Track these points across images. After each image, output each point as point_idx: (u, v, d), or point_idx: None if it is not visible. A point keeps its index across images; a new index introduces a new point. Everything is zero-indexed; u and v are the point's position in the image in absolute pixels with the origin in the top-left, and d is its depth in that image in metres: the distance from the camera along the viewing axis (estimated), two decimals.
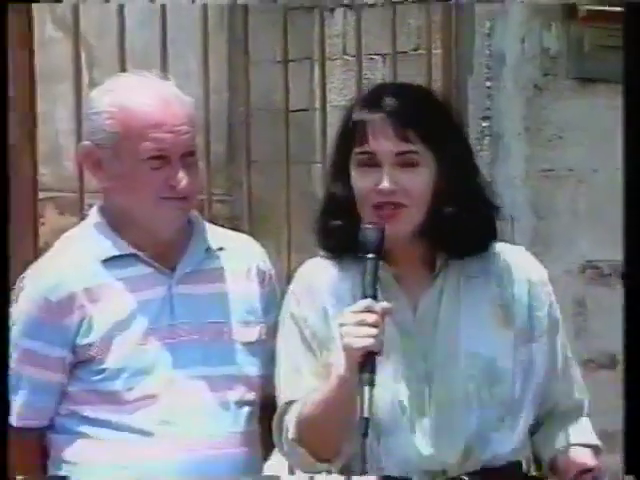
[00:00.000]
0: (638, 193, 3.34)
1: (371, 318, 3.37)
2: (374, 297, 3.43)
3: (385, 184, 3.50)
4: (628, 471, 3.55)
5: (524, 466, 3.78)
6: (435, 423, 3.58)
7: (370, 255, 3.47)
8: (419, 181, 3.53)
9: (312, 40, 5.39)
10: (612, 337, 4.62)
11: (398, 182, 3.50)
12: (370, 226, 3.50)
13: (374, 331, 3.36)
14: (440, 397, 3.58)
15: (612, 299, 4.92)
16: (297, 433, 3.55)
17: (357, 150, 3.55)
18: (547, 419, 3.77)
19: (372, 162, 3.54)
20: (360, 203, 3.56)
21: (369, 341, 3.35)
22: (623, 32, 3.32)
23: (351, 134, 3.59)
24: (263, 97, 5.10)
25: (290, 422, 3.56)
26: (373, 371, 3.38)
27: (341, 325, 3.41)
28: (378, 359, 3.40)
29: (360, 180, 3.55)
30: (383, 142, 3.53)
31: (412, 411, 3.58)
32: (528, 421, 3.69)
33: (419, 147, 3.52)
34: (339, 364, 3.42)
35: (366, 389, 3.36)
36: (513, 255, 3.74)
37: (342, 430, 3.48)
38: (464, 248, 3.62)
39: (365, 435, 3.36)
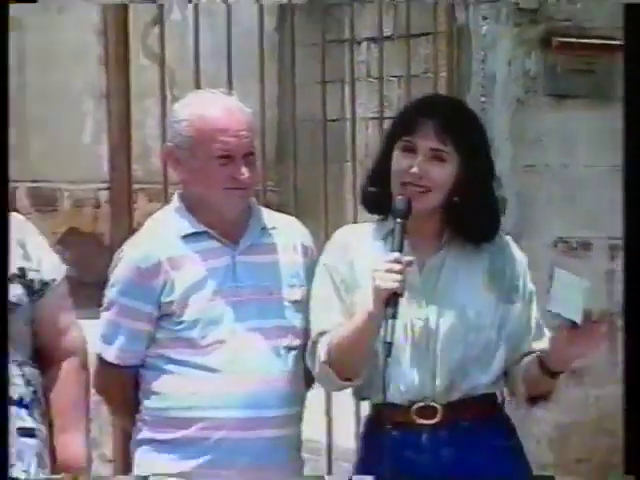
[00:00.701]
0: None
1: (398, 267, 3.48)
2: (400, 252, 3.54)
3: (415, 170, 3.62)
4: (628, 471, 3.34)
5: (498, 398, 3.82)
6: (429, 358, 3.65)
7: (399, 220, 3.58)
8: (444, 174, 3.64)
9: (344, 66, 5.43)
10: None
11: (427, 171, 3.62)
12: (402, 197, 3.61)
13: (399, 277, 3.47)
14: (434, 338, 3.66)
15: (578, 267, 4.99)
16: (327, 357, 3.63)
17: (404, 138, 3.66)
18: (518, 360, 3.76)
19: (411, 150, 3.64)
20: (393, 179, 3.67)
21: (395, 284, 3.46)
22: (623, 32, 3.22)
23: (402, 125, 3.72)
24: (306, 110, 5.10)
25: (322, 349, 3.64)
26: (396, 307, 3.47)
27: (374, 271, 3.50)
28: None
29: (398, 161, 3.67)
30: (424, 138, 3.64)
31: (412, 348, 3.66)
32: (500, 362, 3.72)
33: (449, 148, 3.64)
34: (368, 302, 3.52)
35: (390, 321, 3.46)
36: (501, 241, 3.82)
37: (363, 355, 3.58)
38: (472, 234, 3.73)
39: (388, 356, 3.47)
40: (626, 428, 3.18)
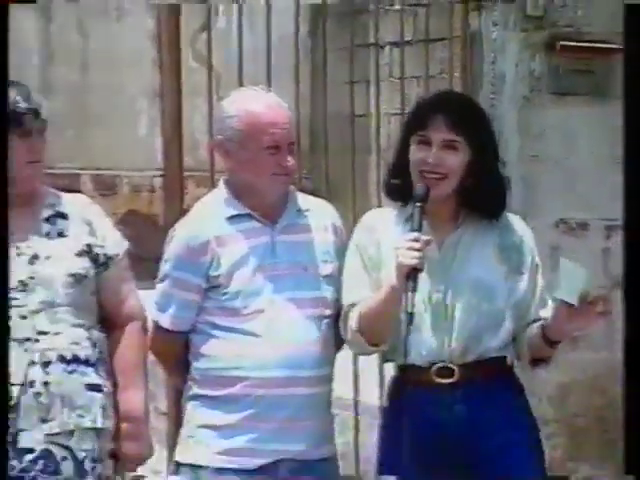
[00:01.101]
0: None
1: (417, 245, 3.51)
2: (419, 232, 3.57)
3: (431, 160, 3.65)
4: (628, 471, 3.24)
5: (508, 361, 3.80)
6: (447, 325, 3.68)
7: (418, 204, 3.61)
8: (456, 161, 3.67)
9: (369, 67, 5.41)
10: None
11: (441, 160, 3.65)
12: (420, 185, 3.64)
13: (419, 254, 3.50)
14: (452, 307, 3.68)
15: (577, 245, 5.03)
16: (357, 326, 3.66)
17: (419, 132, 3.69)
18: (524, 328, 3.77)
19: (426, 142, 3.67)
20: (412, 169, 3.69)
21: (415, 261, 3.50)
22: (623, 32, 3.15)
23: (417, 121, 3.74)
24: (335, 107, 5.05)
25: (352, 318, 3.67)
26: (416, 281, 3.51)
27: (397, 249, 3.54)
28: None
29: (416, 153, 3.69)
30: (437, 131, 3.67)
31: (432, 316, 3.68)
32: (509, 329, 3.74)
33: (460, 139, 3.67)
34: (391, 277, 3.56)
35: (410, 294, 3.51)
36: (511, 219, 3.85)
37: (388, 324, 3.61)
38: (483, 212, 3.75)
39: (410, 323, 3.52)
40: (626, 428, 3.09)
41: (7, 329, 3.05)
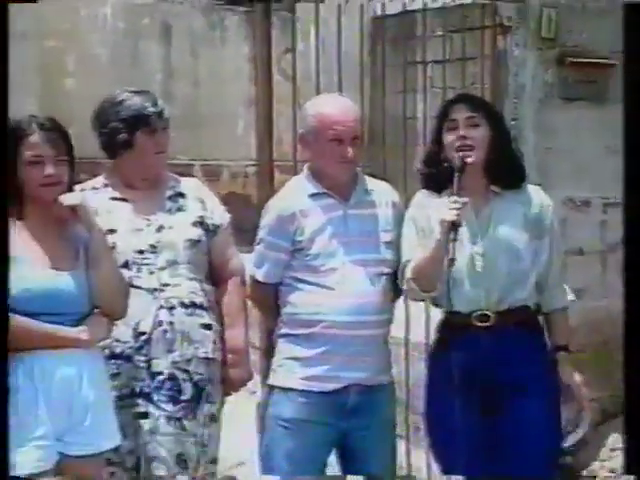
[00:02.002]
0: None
1: (456, 205, 3.49)
2: (458, 196, 3.54)
3: (461, 133, 3.62)
4: (628, 471, 2.91)
5: (532, 309, 3.74)
6: (485, 280, 3.64)
7: (457, 173, 3.58)
8: (480, 133, 3.63)
9: (417, 80, 5.37)
10: (579, 236, 4.61)
11: (468, 133, 3.62)
12: (457, 156, 3.61)
13: (457, 212, 3.48)
14: (488, 265, 3.63)
15: (580, 218, 5.00)
16: (412, 275, 3.64)
17: (448, 119, 3.66)
18: (544, 284, 3.73)
19: (454, 127, 3.64)
20: (448, 149, 3.65)
21: (454, 217, 3.47)
22: (623, 31, 2.90)
23: (445, 111, 3.71)
24: (391, 111, 5.07)
25: (408, 270, 3.65)
26: (456, 234, 3.49)
27: (440, 209, 3.55)
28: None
29: (448, 137, 3.65)
30: (460, 112, 3.65)
31: (473, 273, 3.64)
32: (533, 283, 3.69)
33: (479, 115, 3.65)
34: (437, 233, 3.54)
35: (451, 244, 3.48)
36: (534, 193, 3.77)
37: (436, 272, 3.57)
38: (508, 182, 3.70)
39: (451, 266, 3.51)
40: (626, 428, 2.83)
41: (7, 329, 2.74)
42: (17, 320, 3.14)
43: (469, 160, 3.61)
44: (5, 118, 2.81)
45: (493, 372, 3.61)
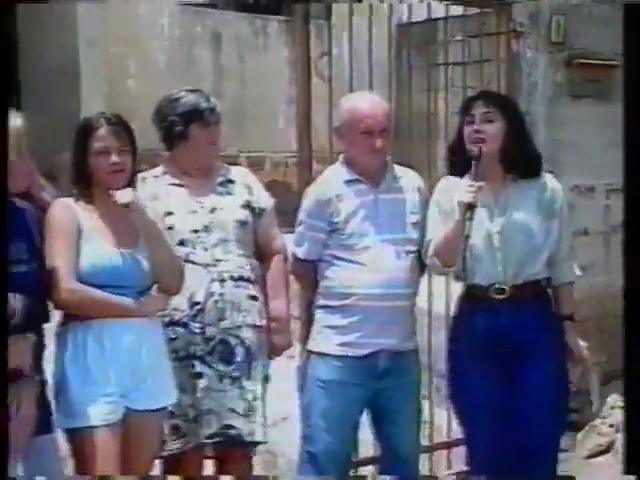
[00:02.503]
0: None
1: (473, 188, 3.49)
2: (475, 181, 3.53)
3: (475, 127, 3.60)
4: (628, 471, 2.77)
5: (542, 283, 3.72)
6: (501, 257, 3.63)
7: (474, 161, 3.58)
8: (494, 128, 3.62)
9: (439, 80, 5.32)
10: (585, 218, 4.58)
11: (483, 127, 3.61)
12: (474, 146, 3.60)
13: (473, 194, 3.48)
14: (505, 244, 3.62)
15: (586, 203, 4.96)
16: (434, 252, 3.65)
17: (467, 114, 3.65)
18: (553, 261, 3.72)
19: (472, 121, 3.62)
20: (467, 140, 3.64)
21: (470, 198, 3.48)
22: (623, 31, 2.94)
23: (465, 107, 3.69)
24: (416, 107, 5.04)
25: (430, 247, 3.66)
26: (472, 214, 3.50)
27: (458, 192, 3.54)
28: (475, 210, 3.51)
29: (467, 129, 3.64)
30: (477, 108, 3.63)
31: (491, 251, 3.63)
32: (544, 259, 3.67)
33: (494, 110, 3.62)
34: (456, 213, 3.54)
35: (467, 223, 3.49)
36: (547, 179, 3.75)
37: (455, 249, 3.57)
38: (524, 172, 3.67)
39: (467, 241, 3.52)
40: (626, 428, 2.73)
41: (6, 328, 2.62)
42: (88, 291, 3.18)
43: (484, 150, 3.59)
44: (5, 117, 2.72)
45: (508, 338, 3.61)
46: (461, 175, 3.71)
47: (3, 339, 2.51)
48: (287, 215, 4.05)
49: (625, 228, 2.95)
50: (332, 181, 3.85)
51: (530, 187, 3.69)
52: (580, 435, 5.29)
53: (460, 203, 3.52)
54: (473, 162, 3.59)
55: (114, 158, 3.26)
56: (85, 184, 3.31)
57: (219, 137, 3.84)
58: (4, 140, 2.65)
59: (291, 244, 3.92)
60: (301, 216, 3.88)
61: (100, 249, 3.24)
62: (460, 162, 3.71)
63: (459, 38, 5.31)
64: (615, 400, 5.26)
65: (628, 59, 2.61)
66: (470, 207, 3.50)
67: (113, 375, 3.22)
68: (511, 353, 3.61)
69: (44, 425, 2.95)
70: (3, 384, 2.58)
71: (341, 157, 3.90)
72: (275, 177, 8.26)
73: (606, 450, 5.19)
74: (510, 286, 3.62)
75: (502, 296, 3.62)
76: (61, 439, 3.21)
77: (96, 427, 3.16)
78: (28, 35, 7.45)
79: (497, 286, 3.63)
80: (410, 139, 4.92)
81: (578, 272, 3.82)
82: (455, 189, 3.66)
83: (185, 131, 3.74)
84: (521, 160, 3.67)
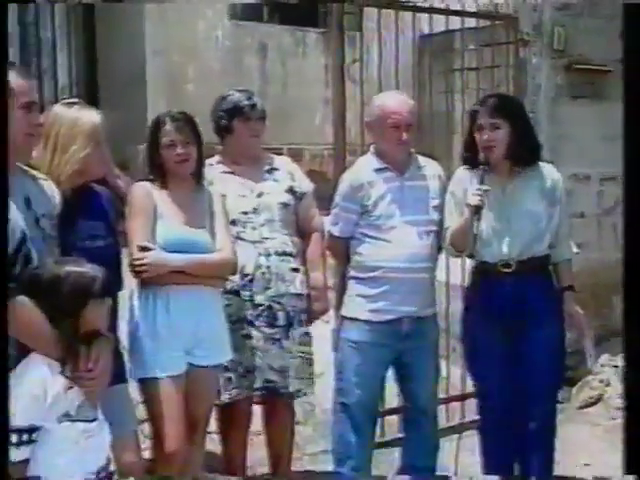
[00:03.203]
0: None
1: (480, 192, 3.48)
2: (482, 184, 3.51)
3: (485, 137, 3.55)
4: (628, 471, 2.48)
5: (544, 259, 3.66)
6: (509, 238, 3.58)
7: (482, 166, 3.56)
8: (500, 135, 3.55)
9: (456, 83, 5.27)
10: (581, 203, 4.53)
11: (490, 136, 3.54)
12: (483, 154, 3.56)
13: (480, 198, 3.47)
14: (512, 226, 3.58)
15: (582, 189, 4.91)
16: (449, 241, 3.65)
17: (477, 123, 3.58)
18: (554, 241, 3.67)
19: (481, 129, 3.56)
20: (479, 146, 3.58)
21: (478, 202, 3.48)
22: (623, 29, 2.87)
23: (475, 115, 3.62)
24: (436, 106, 5.02)
25: (447, 236, 3.65)
26: (479, 214, 3.49)
27: (467, 195, 3.53)
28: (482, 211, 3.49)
29: (477, 135, 3.58)
30: (485, 119, 3.56)
31: (500, 232, 3.59)
32: (547, 240, 3.62)
33: (501, 121, 3.54)
34: (466, 212, 3.53)
35: (475, 223, 3.48)
36: (548, 170, 3.69)
37: (465, 240, 3.57)
38: (526, 161, 3.61)
39: (475, 243, 3.52)
40: (626, 428, 2.49)
41: (6, 328, 2.49)
42: (171, 256, 3.18)
43: (491, 156, 3.56)
44: (5, 118, 2.57)
45: (513, 306, 3.57)
46: (474, 166, 3.66)
47: (3, 338, 2.42)
48: (323, 200, 4.02)
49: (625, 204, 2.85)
50: (364, 169, 3.82)
51: (533, 177, 3.64)
52: (575, 389, 5.30)
53: (469, 206, 3.52)
54: (480, 167, 3.58)
55: (179, 150, 3.27)
56: (158, 172, 3.32)
57: (262, 131, 3.81)
58: (4, 140, 2.53)
59: (327, 224, 3.90)
60: (336, 199, 3.85)
61: (172, 226, 3.24)
62: (472, 156, 3.66)
63: (473, 47, 5.25)
64: (606, 359, 5.25)
65: (628, 58, 2.56)
66: (477, 209, 3.51)
67: (177, 335, 3.23)
68: (515, 318, 3.57)
69: (118, 376, 2.97)
70: (3, 382, 2.46)
71: (371, 148, 3.88)
72: (313, 167, 8.22)
73: (596, 402, 5.20)
74: (516, 261, 3.58)
75: (508, 270, 3.58)
76: (133, 388, 3.23)
77: (162, 378, 3.19)
78: (105, 47, 7.55)
79: (504, 262, 3.59)
80: (431, 134, 4.89)
81: (575, 250, 3.77)
82: (466, 181, 3.65)
83: (229, 125, 3.74)
84: (524, 152, 3.61)
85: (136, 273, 3.20)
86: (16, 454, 2.46)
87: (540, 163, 3.66)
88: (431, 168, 3.89)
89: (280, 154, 4.28)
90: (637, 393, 2.37)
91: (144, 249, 3.13)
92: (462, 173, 3.74)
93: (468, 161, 3.71)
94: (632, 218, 2.36)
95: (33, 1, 3.38)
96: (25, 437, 2.45)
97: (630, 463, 2.42)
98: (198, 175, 3.37)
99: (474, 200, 3.48)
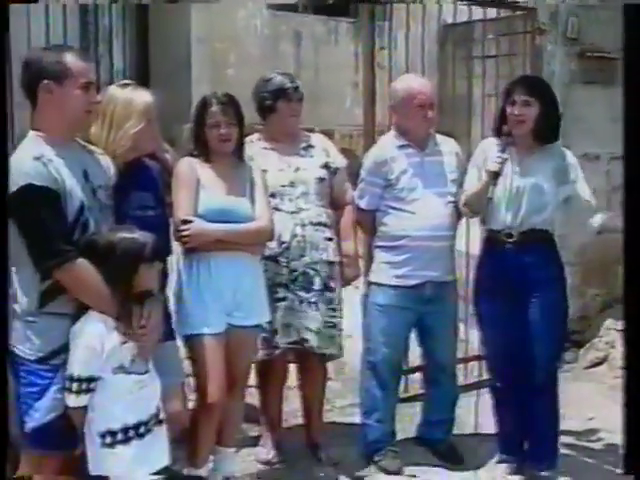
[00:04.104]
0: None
1: (500, 160, 3.45)
2: (503, 152, 3.47)
3: (516, 111, 3.47)
4: (628, 471, 2.39)
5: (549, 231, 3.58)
6: (515, 208, 3.50)
7: (503, 137, 3.52)
8: (530, 111, 3.47)
9: (477, 70, 5.14)
10: (591, 180, 4.40)
11: (521, 111, 3.46)
12: (506, 126, 3.51)
13: (499, 165, 3.45)
14: (518, 198, 3.50)
15: (592, 167, 4.81)
16: (464, 201, 3.64)
17: (512, 96, 3.50)
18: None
19: (514, 103, 3.48)
20: (508, 119, 3.51)
21: (496, 168, 3.46)
22: (623, 27, 2.71)
23: (510, 91, 3.53)
24: (457, 90, 4.96)
25: (462, 197, 3.64)
26: (497, 179, 3.48)
27: (489, 161, 3.50)
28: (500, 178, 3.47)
29: (508, 109, 3.50)
30: (518, 95, 3.48)
31: (508, 202, 3.51)
32: (552, 213, 3.52)
33: (533, 99, 3.46)
34: (484, 176, 3.50)
35: (491, 187, 3.48)
36: (565, 152, 3.59)
37: (480, 203, 3.57)
38: (547, 139, 3.53)
39: (489, 201, 3.49)
40: (626, 428, 2.36)
41: (6, 329, 2.46)
42: (211, 226, 3.15)
43: (519, 130, 3.49)
44: (5, 114, 2.55)
45: (516, 275, 3.51)
46: (499, 136, 3.58)
47: (3, 339, 2.43)
48: (352, 175, 3.97)
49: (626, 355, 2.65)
50: (387, 146, 3.78)
51: (551, 155, 3.54)
52: (582, 350, 5.27)
53: (488, 171, 3.47)
54: (502, 137, 3.51)
55: (222, 130, 3.23)
56: (202, 149, 3.28)
57: (301, 111, 3.78)
58: (4, 137, 2.52)
59: (356, 196, 3.86)
60: (362, 174, 3.82)
61: (214, 196, 3.21)
62: (500, 127, 3.57)
63: (491, 36, 5.18)
64: (611, 323, 5.21)
65: (628, 50, 2.50)
66: (495, 175, 3.46)
67: (219, 297, 3.21)
68: (518, 287, 3.51)
69: (168, 333, 2.98)
70: (3, 384, 2.45)
71: (393, 127, 3.84)
72: (342, 146, 8.15)
73: (602, 362, 5.17)
74: (518, 232, 3.50)
75: (510, 239, 3.51)
76: (180, 345, 3.24)
77: (205, 336, 3.17)
78: (156, 35, 7.59)
79: (507, 231, 3.52)
80: (453, 116, 4.81)
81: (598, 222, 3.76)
82: (488, 150, 3.58)
83: (274, 105, 3.69)
84: (547, 130, 3.53)
85: (180, 242, 3.19)
86: (76, 401, 2.52)
87: (559, 144, 3.58)
88: (448, 145, 3.84)
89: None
90: (637, 394, 2.29)
91: (186, 222, 3.11)
92: (486, 143, 3.67)
93: (496, 131, 3.64)
94: (631, 195, 2.34)
95: (36, 1, 3.32)
96: (84, 386, 2.51)
97: (630, 463, 2.34)
98: (238, 153, 3.33)
99: (494, 166, 3.45)
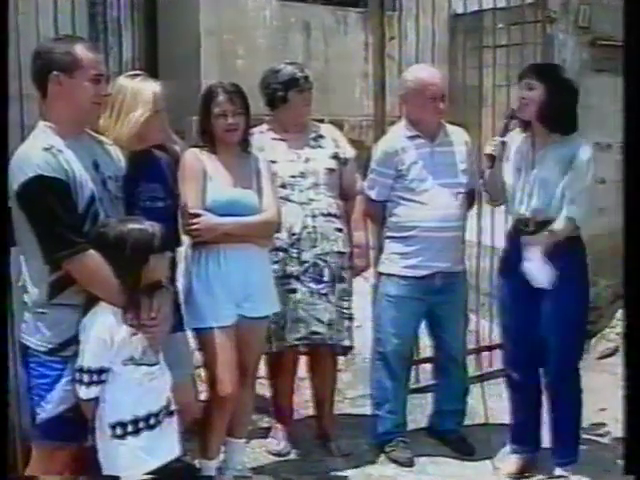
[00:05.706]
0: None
1: (495, 142, 3.46)
2: (503, 136, 3.47)
3: (519, 94, 3.43)
4: (628, 471, 2.35)
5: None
6: (530, 195, 3.46)
7: (505, 120, 3.51)
8: (533, 95, 3.38)
9: (487, 59, 5.07)
10: (603, 170, 4.37)
11: (524, 94, 3.41)
12: (511, 108, 3.52)
13: (493, 148, 3.46)
14: (532, 189, 3.45)
15: (604, 157, 4.77)
16: (483, 187, 3.65)
17: (520, 82, 3.45)
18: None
19: (521, 87, 3.43)
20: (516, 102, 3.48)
21: (490, 150, 3.46)
22: (623, 24, 2.69)
23: (519, 78, 3.48)
24: (468, 80, 4.93)
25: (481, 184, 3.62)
26: (493, 162, 3.47)
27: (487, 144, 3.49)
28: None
29: (518, 94, 3.46)
30: (524, 79, 3.43)
31: (523, 191, 3.47)
32: (562, 201, 3.39)
33: (535, 82, 3.39)
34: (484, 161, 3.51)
35: (487, 171, 3.50)
36: (583, 145, 3.45)
37: (492, 188, 3.57)
38: (561, 130, 3.44)
39: (490, 167, 3.49)
40: (626, 428, 2.33)
41: (6, 330, 2.46)
42: (219, 220, 3.13)
43: (521, 113, 3.44)
44: (6, 110, 2.52)
45: None
46: (525, 129, 3.53)
47: (3, 340, 2.39)
48: (360, 166, 3.95)
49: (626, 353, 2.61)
50: (396, 137, 3.75)
51: (568, 149, 3.43)
52: (593, 341, 5.24)
53: (485, 152, 3.47)
54: (504, 120, 3.50)
55: (229, 120, 3.21)
56: (209, 139, 3.25)
57: (311, 101, 3.76)
58: (4, 136, 2.49)
59: (365, 187, 3.84)
60: (373, 165, 3.79)
61: (220, 188, 3.20)
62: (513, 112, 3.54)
63: (501, 26, 5.13)
64: (621, 314, 5.19)
65: (628, 37, 2.47)
66: (492, 158, 3.44)
67: (228, 289, 3.19)
68: None
69: (178, 325, 2.97)
70: (3, 384, 2.44)
71: (403, 118, 3.81)
72: (352, 136, 8.13)
73: (613, 352, 5.15)
74: (533, 222, 3.44)
75: (527, 229, 3.45)
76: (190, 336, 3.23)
77: (215, 328, 3.16)
78: (165, 27, 7.56)
79: (523, 221, 3.48)
80: (464, 106, 4.78)
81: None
82: (512, 141, 3.53)
83: (285, 96, 3.67)
84: (556, 117, 3.42)
85: (190, 236, 3.18)
86: (86, 392, 2.51)
87: (578, 138, 3.46)
88: (458, 135, 3.81)
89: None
90: (637, 394, 2.25)
91: (195, 215, 3.09)
92: (509, 136, 3.57)
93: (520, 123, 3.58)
94: (631, 186, 2.31)
95: None
96: (95, 377, 2.50)
97: (630, 463, 2.30)
98: (245, 143, 3.31)
99: (488, 149, 3.44)
